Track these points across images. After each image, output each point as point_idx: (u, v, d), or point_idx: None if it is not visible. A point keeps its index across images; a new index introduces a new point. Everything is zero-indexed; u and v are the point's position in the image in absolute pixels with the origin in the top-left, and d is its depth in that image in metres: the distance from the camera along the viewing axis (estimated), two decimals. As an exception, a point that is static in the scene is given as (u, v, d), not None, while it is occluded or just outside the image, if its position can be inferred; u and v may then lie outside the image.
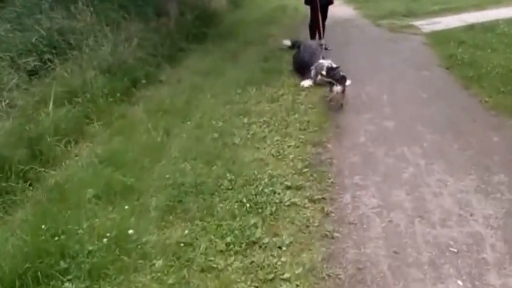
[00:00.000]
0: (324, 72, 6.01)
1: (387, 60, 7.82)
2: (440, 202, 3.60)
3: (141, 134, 4.95)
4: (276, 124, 5.17)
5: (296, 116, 5.39)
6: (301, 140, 4.76)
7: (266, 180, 3.95)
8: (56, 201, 3.62)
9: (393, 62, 7.71)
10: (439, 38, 9.14)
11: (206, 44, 8.99)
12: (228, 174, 4.05)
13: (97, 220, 3.32)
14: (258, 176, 4.01)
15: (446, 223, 3.34)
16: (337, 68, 5.92)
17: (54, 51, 6.47)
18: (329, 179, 4.01)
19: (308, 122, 5.20)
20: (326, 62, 6.32)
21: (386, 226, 3.35)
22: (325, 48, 8.55)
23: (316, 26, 8.63)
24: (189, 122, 5.30)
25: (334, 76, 5.70)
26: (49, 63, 6.15)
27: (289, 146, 4.63)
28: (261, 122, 5.22)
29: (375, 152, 4.52)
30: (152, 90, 6.55)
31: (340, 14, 12.37)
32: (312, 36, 8.77)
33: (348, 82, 5.80)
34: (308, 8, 8.68)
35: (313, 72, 6.61)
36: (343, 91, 5.68)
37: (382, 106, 5.73)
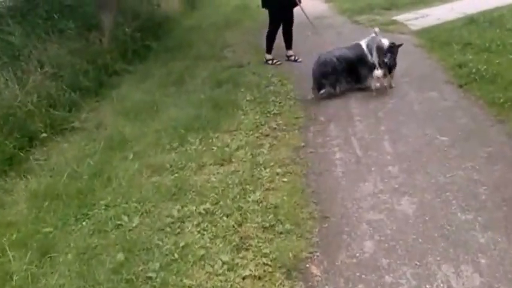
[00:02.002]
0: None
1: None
2: None
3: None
4: (225, 217, 3.03)
5: (257, 194, 3.25)
6: (266, 258, 2.63)
7: None
8: None
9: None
10: (434, 38, 7.01)
11: (148, 63, 6.74)
12: None
13: None
14: None
15: None
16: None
17: None
18: None
19: (276, 208, 3.07)
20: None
21: None
22: (295, 60, 6.43)
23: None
24: (85, 222, 3.12)
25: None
26: None
27: (244, 278, 2.49)
28: (200, 214, 3.08)
29: (398, 284, 2.40)
30: (55, 148, 4.37)
31: (310, 10, 10.11)
32: (269, 49, 6.52)
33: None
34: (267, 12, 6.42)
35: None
36: (385, 75, 4.91)
37: (386, 164, 3.60)
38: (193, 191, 3.34)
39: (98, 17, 6.84)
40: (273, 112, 4.67)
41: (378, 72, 4.85)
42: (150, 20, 8.03)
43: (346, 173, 3.53)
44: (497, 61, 5.49)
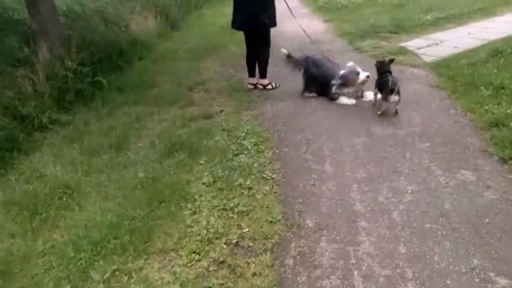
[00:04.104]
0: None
1: (382, 141, 4.03)
2: None
3: None
4: None
5: None
6: None
7: None
8: None
9: (395, 145, 3.94)
10: (456, 76, 5.39)
11: (92, 109, 5.12)
12: None
13: None
14: None
15: None
16: None
17: None
18: None
19: None
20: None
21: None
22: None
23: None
24: None
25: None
26: None
27: None
28: None
29: None
30: None
31: (306, 30, 8.54)
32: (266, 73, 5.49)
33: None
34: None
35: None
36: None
37: None
38: None
39: (30, 48, 5.20)
40: (237, 209, 3.05)
41: (395, 97, 4.36)
42: (110, 47, 6.40)
43: None
44: (547, 119, 3.91)
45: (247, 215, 2.99)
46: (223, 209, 3.06)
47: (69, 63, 5.30)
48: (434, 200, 3.08)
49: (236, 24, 5.24)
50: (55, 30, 5.58)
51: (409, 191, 3.20)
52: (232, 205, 3.08)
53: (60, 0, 7.09)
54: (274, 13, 5.14)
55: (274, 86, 5.48)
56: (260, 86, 5.46)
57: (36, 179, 3.57)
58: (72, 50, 5.41)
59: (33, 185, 3.47)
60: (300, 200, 3.16)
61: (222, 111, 4.82)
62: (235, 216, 2.99)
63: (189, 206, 3.11)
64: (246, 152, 3.84)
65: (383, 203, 3.09)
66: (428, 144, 3.88)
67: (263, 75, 5.45)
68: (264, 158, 3.77)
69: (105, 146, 4.06)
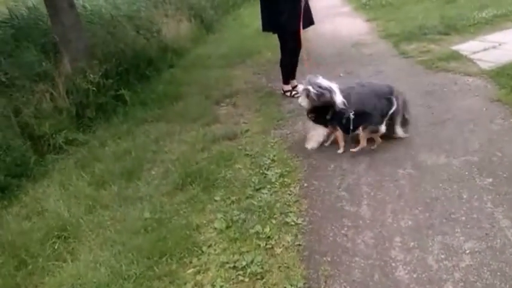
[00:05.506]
0: None
1: (432, 175, 3.25)
2: None
3: None
4: None
5: None
6: None
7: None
8: None
9: (448, 180, 3.16)
10: (520, 88, 4.46)
11: (111, 126, 4.65)
12: None
13: None
14: None
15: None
16: None
17: None
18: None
19: None
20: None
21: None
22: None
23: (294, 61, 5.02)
24: None
25: None
26: None
27: None
28: None
29: None
30: None
31: (346, 31, 7.78)
32: (287, 79, 5.02)
33: None
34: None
35: None
36: None
37: None
38: None
39: (51, 61, 4.78)
40: (250, 269, 2.43)
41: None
42: (138, 56, 5.92)
43: None
44: None
45: (262, 278, 2.37)
46: (234, 268, 2.45)
47: (92, 75, 4.84)
48: (501, 267, 2.31)
49: (262, 26, 4.91)
50: (78, 40, 5.16)
51: (467, 251, 2.45)
52: (244, 263, 2.46)
53: (95, 6, 6.73)
54: (295, 15, 4.55)
55: (291, 95, 4.97)
56: (282, 90, 5.10)
57: (36, 215, 3.11)
58: (95, 62, 4.94)
59: (31, 223, 3.01)
60: (328, 259, 2.49)
61: (247, 131, 4.19)
62: (246, 279, 2.37)
63: (194, 261, 2.52)
64: (269, 187, 3.21)
65: (433, 268, 2.36)
66: (490, 180, 3.07)
67: (283, 79, 5.05)
68: (289, 195, 3.12)
69: (117, 174, 3.55)
